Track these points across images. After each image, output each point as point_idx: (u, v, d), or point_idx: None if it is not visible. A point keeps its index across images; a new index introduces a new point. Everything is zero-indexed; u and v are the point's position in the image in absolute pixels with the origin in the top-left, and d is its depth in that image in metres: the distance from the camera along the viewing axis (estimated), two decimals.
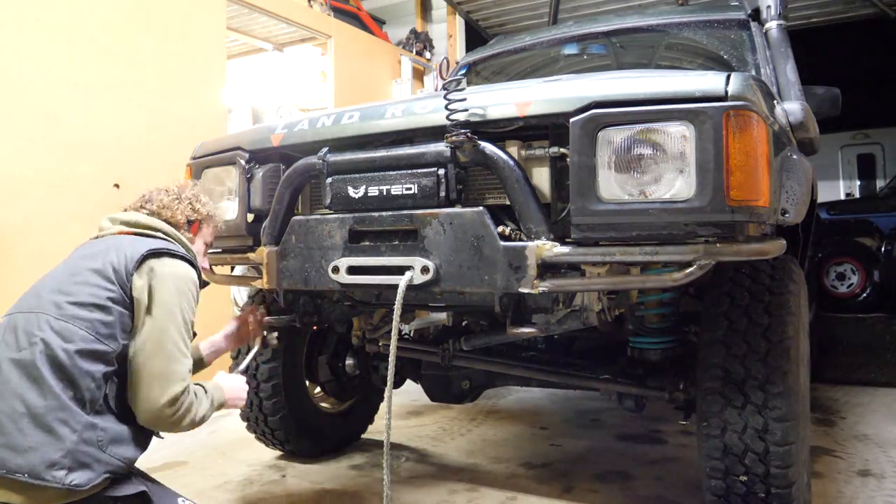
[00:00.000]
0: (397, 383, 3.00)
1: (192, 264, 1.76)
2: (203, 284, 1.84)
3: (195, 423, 1.65)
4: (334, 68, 5.45)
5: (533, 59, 3.67)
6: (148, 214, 1.83)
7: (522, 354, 2.63)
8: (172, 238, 1.81)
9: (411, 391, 3.18)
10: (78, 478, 1.43)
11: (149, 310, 1.60)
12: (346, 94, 5.42)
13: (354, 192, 1.94)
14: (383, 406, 3.36)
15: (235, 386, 1.89)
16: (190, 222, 1.90)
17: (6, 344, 1.52)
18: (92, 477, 1.45)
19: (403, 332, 2.66)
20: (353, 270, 1.91)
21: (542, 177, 1.80)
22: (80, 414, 1.47)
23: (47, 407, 1.44)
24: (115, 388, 1.57)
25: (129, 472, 1.59)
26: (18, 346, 1.50)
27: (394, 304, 1.78)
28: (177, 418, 1.59)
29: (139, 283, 1.61)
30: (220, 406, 1.80)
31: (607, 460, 2.95)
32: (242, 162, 2.22)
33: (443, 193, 1.80)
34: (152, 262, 1.65)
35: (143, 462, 3.02)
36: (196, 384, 1.71)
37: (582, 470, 2.83)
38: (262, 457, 3.06)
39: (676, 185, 1.56)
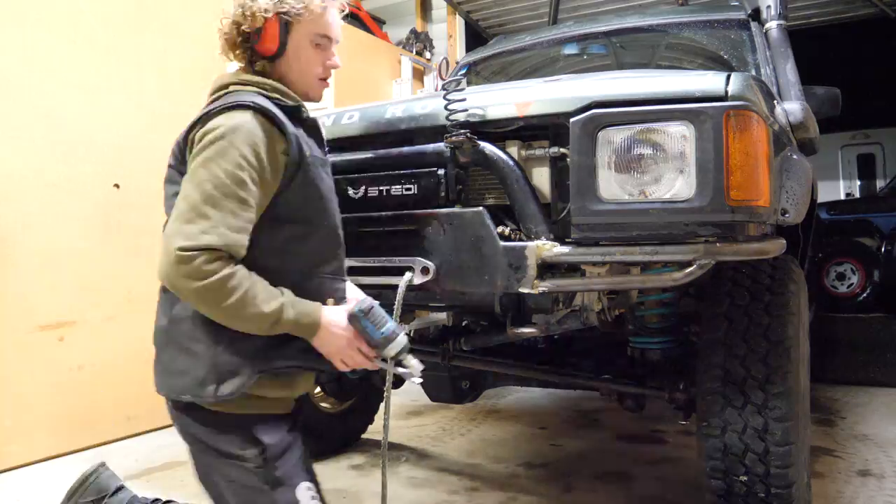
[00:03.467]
0: (397, 383, 2.99)
1: (254, 107, 1.36)
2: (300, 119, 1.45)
3: (231, 299, 1.26)
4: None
5: (533, 59, 3.67)
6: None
7: (522, 354, 2.62)
8: (233, 85, 1.47)
9: (411, 391, 3.18)
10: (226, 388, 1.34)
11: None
12: (345, 95, 5.42)
13: (354, 193, 1.94)
14: (383, 406, 3.36)
15: (339, 325, 1.39)
16: (254, 32, 1.42)
17: None
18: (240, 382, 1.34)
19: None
20: (352, 271, 1.90)
21: (542, 177, 1.80)
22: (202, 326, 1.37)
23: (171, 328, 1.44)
24: None
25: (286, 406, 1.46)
26: None
27: (394, 305, 1.78)
28: (195, 275, 1.26)
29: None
30: (300, 328, 1.35)
31: (607, 460, 2.95)
32: None
33: (443, 193, 1.80)
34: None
35: (143, 462, 3.04)
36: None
37: (582, 470, 2.83)
38: None
39: (676, 184, 1.56)
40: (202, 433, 1.41)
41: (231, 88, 1.46)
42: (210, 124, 1.37)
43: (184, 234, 1.28)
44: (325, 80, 1.54)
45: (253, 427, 1.39)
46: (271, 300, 1.31)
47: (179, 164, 1.48)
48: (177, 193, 1.38)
